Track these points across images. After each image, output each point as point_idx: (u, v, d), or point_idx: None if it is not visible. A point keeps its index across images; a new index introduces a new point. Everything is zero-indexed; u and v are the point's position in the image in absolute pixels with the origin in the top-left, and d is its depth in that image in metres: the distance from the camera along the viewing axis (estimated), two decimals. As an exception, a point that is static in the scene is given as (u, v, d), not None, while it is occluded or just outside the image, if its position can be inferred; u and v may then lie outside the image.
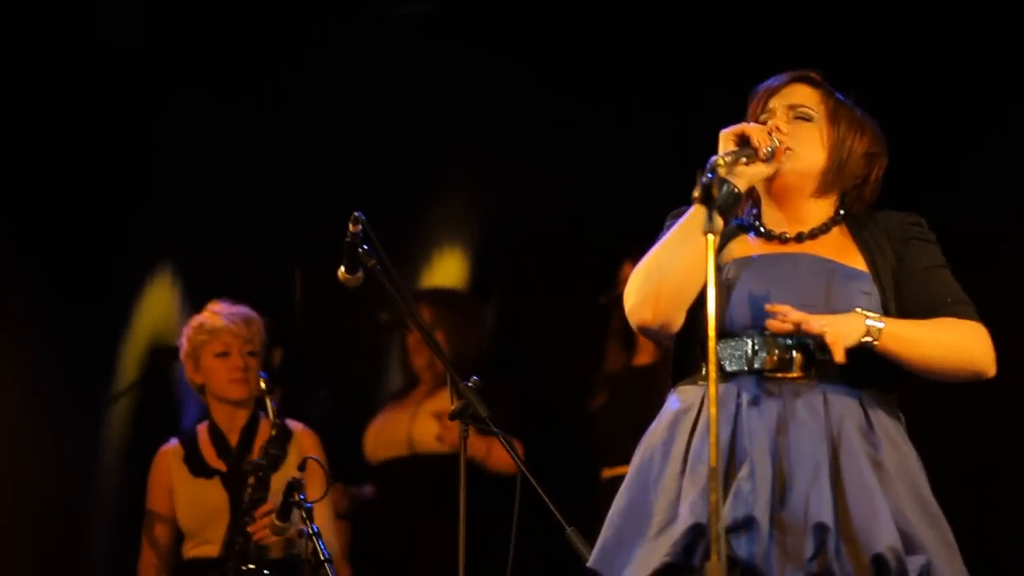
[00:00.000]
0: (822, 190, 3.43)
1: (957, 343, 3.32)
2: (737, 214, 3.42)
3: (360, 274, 3.76)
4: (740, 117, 3.47)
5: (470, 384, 3.65)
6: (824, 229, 3.43)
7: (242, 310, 5.31)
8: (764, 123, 3.39)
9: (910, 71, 5.69)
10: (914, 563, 3.15)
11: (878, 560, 3.12)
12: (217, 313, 5.29)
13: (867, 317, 3.25)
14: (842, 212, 3.46)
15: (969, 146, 5.67)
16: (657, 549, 3.21)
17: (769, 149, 3.31)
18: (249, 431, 5.26)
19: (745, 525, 3.15)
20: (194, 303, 6.08)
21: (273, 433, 4.96)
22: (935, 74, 5.71)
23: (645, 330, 3.37)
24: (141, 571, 5.29)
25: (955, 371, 3.33)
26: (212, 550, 5.12)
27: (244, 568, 4.92)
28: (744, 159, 3.27)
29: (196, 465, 5.24)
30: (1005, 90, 5.67)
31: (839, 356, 3.19)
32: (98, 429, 6.36)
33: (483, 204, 6.58)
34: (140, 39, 6.36)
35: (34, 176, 6.20)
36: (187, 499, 5.22)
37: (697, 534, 3.16)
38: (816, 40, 5.73)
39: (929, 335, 3.30)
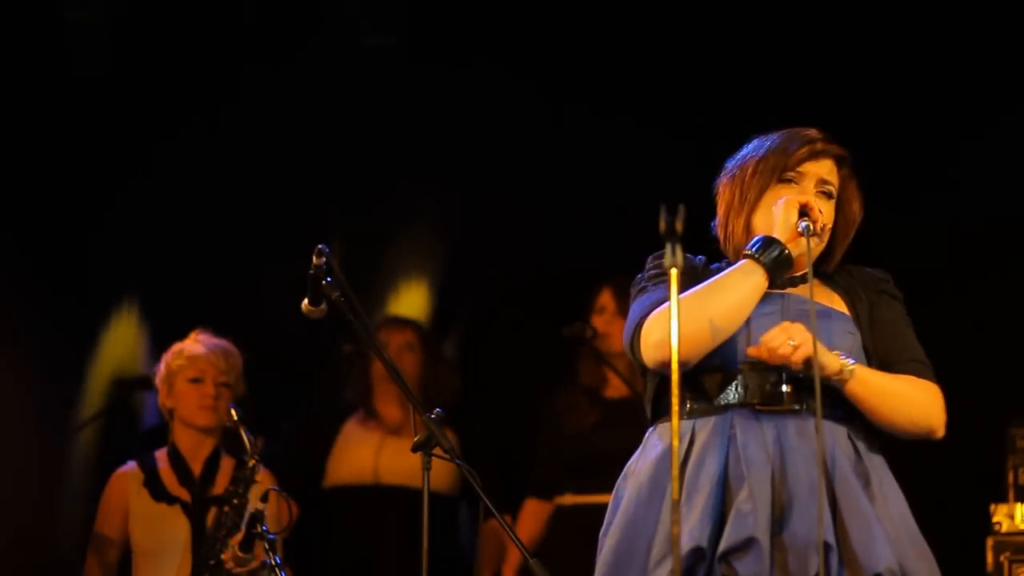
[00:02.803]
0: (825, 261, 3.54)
1: (917, 400, 3.41)
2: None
3: (324, 306, 3.77)
4: (708, 150, 3.52)
5: (433, 416, 3.66)
6: (804, 278, 3.46)
7: (223, 343, 5.36)
8: (787, 181, 3.45)
9: (898, 76, 5.76)
10: None
11: None
12: (199, 341, 5.34)
13: (843, 357, 3.34)
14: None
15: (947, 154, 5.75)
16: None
17: (821, 229, 3.41)
18: (213, 462, 5.27)
19: (746, 546, 3.21)
20: (159, 334, 6.09)
21: (251, 463, 4.98)
22: (916, 82, 5.79)
23: (659, 366, 3.40)
24: None
25: (910, 426, 3.41)
26: (171, 579, 5.11)
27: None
28: (810, 228, 3.36)
29: (157, 490, 5.24)
30: (983, 100, 5.76)
31: (797, 358, 3.27)
32: (62, 457, 6.34)
33: (447, 236, 6.60)
34: (106, 71, 6.36)
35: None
36: (145, 523, 5.20)
37: (697, 558, 3.22)
38: (801, 63, 5.79)
39: (893, 387, 3.39)
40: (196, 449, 5.29)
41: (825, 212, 3.45)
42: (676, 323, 2.95)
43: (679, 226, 2.96)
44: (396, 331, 6.08)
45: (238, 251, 6.32)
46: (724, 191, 3.53)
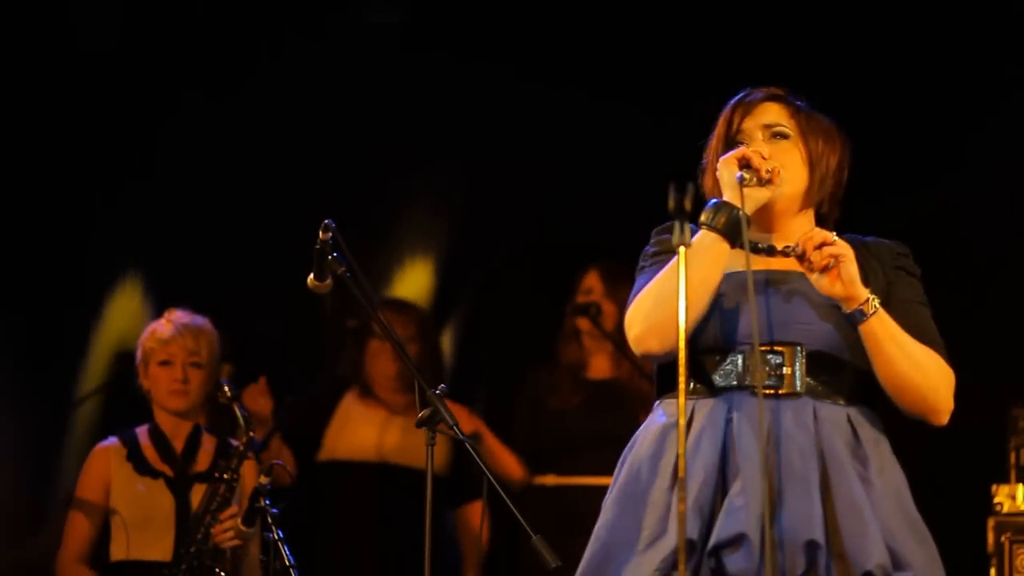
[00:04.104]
0: (805, 205, 3.45)
1: (931, 372, 3.33)
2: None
3: (329, 281, 3.76)
4: (712, 126, 3.50)
5: (438, 392, 3.66)
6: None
7: (196, 320, 5.31)
8: (740, 144, 3.40)
9: (886, 70, 5.76)
10: None
11: None
12: (170, 322, 5.29)
13: (872, 296, 3.27)
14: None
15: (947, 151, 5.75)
16: (646, 563, 3.23)
17: (767, 173, 3.32)
18: (194, 440, 5.26)
19: (736, 541, 3.17)
20: (159, 309, 6.08)
21: (245, 440, 4.99)
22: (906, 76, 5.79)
23: (649, 357, 3.39)
24: (62, 568, 5.22)
25: (917, 396, 3.33)
26: (153, 553, 5.10)
27: (216, 571, 4.95)
28: (755, 180, 3.29)
29: (140, 464, 5.21)
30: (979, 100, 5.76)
31: (824, 254, 3.22)
32: (62, 433, 6.35)
33: (451, 214, 6.60)
34: (114, 44, 6.35)
35: (1, 180, 6.20)
36: (130, 495, 5.18)
37: (688, 550, 3.17)
38: (792, 46, 5.78)
39: (912, 347, 3.31)
40: (176, 428, 5.27)
41: (780, 153, 3.38)
42: (684, 304, 2.95)
43: (688, 204, 2.96)
44: (396, 320, 6.06)
45: (242, 225, 6.31)
46: (705, 181, 3.48)
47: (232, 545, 4.97)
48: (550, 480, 5.91)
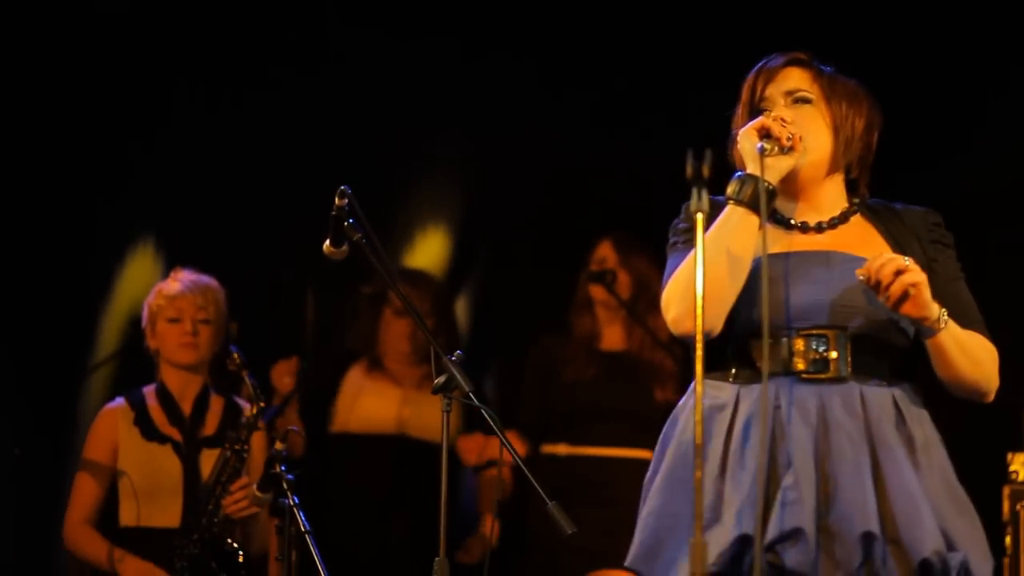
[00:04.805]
0: (833, 170, 3.41)
1: (986, 362, 3.35)
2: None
3: (345, 247, 3.76)
4: (725, 103, 3.48)
5: (454, 358, 3.65)
6: (843, 219, 3.42)
7: (202, 279, 5.32)
8: (763, 112, 3.37)
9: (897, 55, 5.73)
10: (955, 560, 3.20)
11: (925, 564, 3.17)
12: (176, 280, 5.31)
13: (942, 311, 3.25)
14: (856, 200, 3.44)
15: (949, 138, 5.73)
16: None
17: (788, 140, 3.29)
18: (202, 401, 5.27)
19: (793, 536, 3.16)
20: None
21: (255, 410, 4.99)
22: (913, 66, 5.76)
23: (688, 338, 3.29)
24: (70, 530, 5.24)
25: (974, 386, 3.36)
26: (162, 520, 5.12)
27: (228, 542, 4.95)
28: (776, 150, 3.26)
29: (147, 429, 5.22)
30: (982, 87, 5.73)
31: (896, 293, 3.16)
32: (76, 399, 6.35)
33: (466, 183, 6.59)
34: (128, 8, 6.34)
35: (15, 148, 6.19)
36: (138, 461, 5.19)
37: (744, 545, 3.16)
38: (805, 31, 5.75)
39: (971, 345, 3.32)
40: (184, 388, 5.28)
41: (803, 118, 3.36)
42: (701, 270, 2.93)
43: (706, 170, 2.95)
44: (411, 293, 6.02)
45: (257, 194, 6.31)
46: (735, 151, 3.44)
47: (245, 515, 4.98)
48: (562, 449, 5.90)
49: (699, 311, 2.95)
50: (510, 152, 6.33)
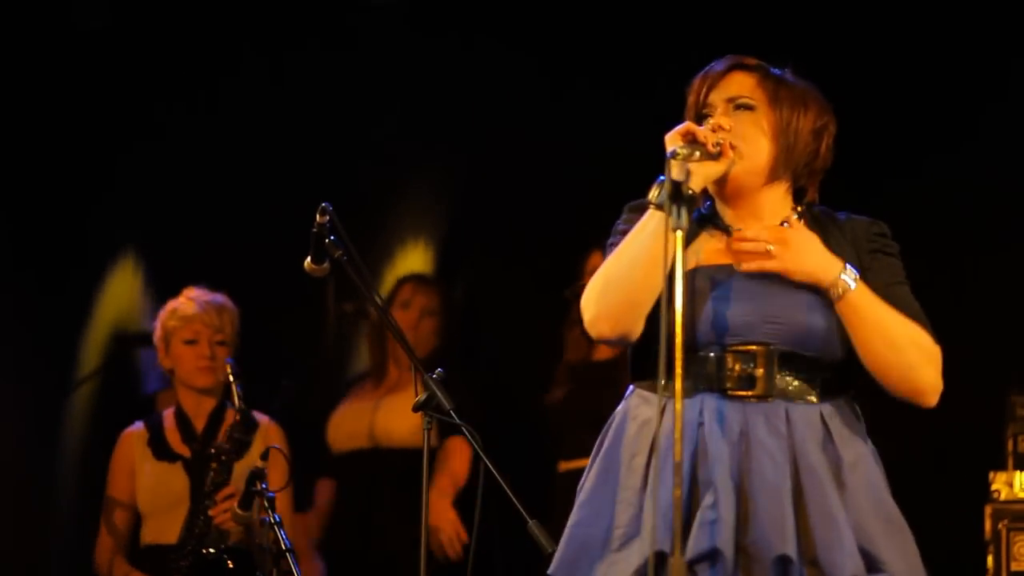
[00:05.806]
0: (773, 178, 3.31)
1: (908, 350, 3.22)
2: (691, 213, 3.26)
3: (326, 264, 3.76)
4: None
5: (435, 376, 3.65)
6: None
7: (216, 298, 5.33)
8: (708, 118, 3.29)
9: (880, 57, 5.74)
10: None
11: None
12: (191, 300, 5.31)
13: (846, 272, 3.19)
14: (799, 208, 3.35)
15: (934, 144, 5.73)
16: (622, 562, 3.18)
17: (716, 147, 3.19)
18: (216, 418, 5.28)
19: (710, 556, 3.11)
20: (157, 289, 6.08)
21: (237, 419, 4.99)
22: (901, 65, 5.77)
23: (604, 341, 3.31)
24: (98, 555, 5.29)
25: (894, 373, 3.23)
26: (171, 536, 5.12)
27: (204, 552, 4.95)
28: (697, 155, 3.13)
29: (160, 449, 5.25)
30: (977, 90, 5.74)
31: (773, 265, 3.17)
32: (59, 416, 6.34)
33: (448, 195, 6.59)
34: (109, 22, 6.34)
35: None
36: (148, 482, 5.22)
37: (659, 561, 3.08)
38: (805, 30, 5.77)
39: (892, 327, 3.22)
40: (199, 406, 5.31)
41: (741, 124, 3.26)
42: (680, 287, 2.90)
43: (654, 194, 2.95)
44: (420, 293, 6.04)
45: (238, 206, 6.30)
46: None
47: (232, 527, 4.98)
48: (578, 464, 5.89)
49: (665, 322, 2.89)
50: (494, 164, 6.32)
